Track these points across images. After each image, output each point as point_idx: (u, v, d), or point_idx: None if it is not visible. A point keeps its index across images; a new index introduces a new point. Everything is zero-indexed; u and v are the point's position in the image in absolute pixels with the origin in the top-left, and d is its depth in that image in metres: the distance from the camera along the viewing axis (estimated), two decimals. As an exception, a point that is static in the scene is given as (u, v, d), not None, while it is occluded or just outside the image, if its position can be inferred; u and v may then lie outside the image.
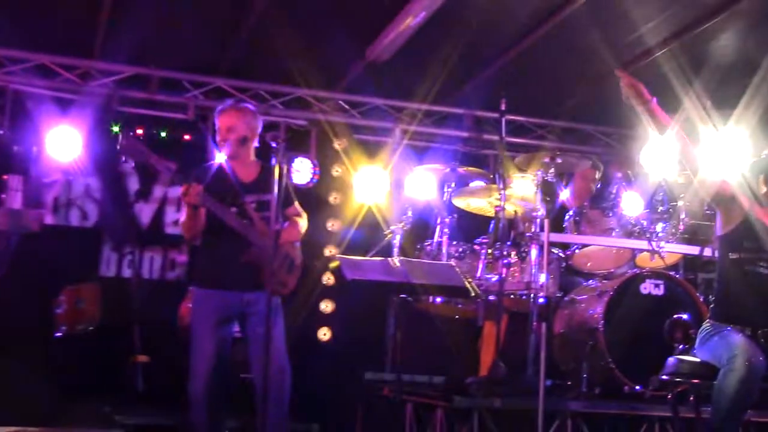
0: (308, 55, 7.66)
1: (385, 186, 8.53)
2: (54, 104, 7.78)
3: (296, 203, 5.65)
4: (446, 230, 6.63)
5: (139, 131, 7.98)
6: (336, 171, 8.68)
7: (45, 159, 7.63)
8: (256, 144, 5.56)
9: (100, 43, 7.66)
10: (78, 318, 7.31)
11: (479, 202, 6.86)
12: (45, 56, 7.79)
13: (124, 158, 5.14)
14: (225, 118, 5.47)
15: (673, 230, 6.48)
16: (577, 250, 6.97)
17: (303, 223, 5.65)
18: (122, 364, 7.21)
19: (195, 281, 5.49)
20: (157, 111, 8.15)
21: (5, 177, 5.36)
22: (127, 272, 8.27)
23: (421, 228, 7.32)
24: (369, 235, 8.20)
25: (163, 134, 8.08)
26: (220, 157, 5.64)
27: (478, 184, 7.08)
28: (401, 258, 5.38)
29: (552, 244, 6.30)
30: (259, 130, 5.55)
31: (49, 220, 7.84)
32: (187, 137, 8.16)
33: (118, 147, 5.13)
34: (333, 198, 8.69)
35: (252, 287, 5.20)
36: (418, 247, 6.90)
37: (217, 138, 5.50)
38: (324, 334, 8.48)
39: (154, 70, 8.02)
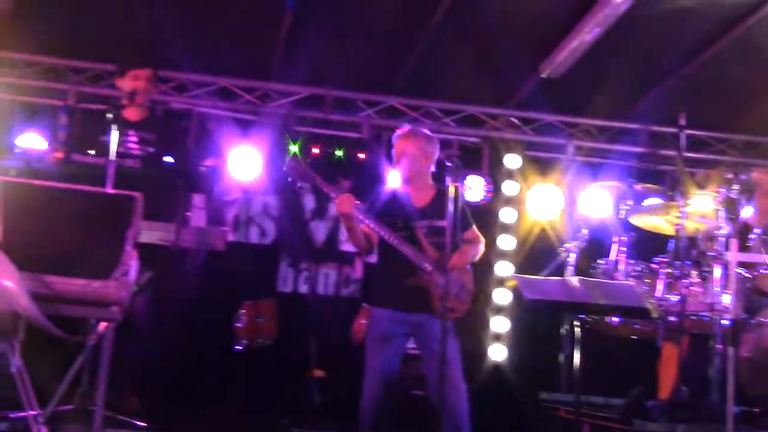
0: (481, 72, 7.69)
1: (559, 203, 8.42)
2: (235, 125, 8.12)
3: (474, 227, 5.65)
4: (623, 248, 6.45)
5: (315, 150, 8.19)
6: (509, 188, 8.61)
7: (226, 178, 7.96)
8: (432, 169, 5.60)
9: (277, 66, 7.94)
10: (257, 332, 7.53)
11: (656, 220, 6.65)
12: (226, 79, 8.16)
13: (291, 180, 5.30)
14: (400, 142, 5.55)
15: None
16: (762, 271, 6.64)
17: (480, 247, 5.64)
18: (299, 378, 7.37)
19: (370, 299, 5.59)
20: (333, 130, 8.37)
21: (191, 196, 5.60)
22: (303, 288, 8.49)
23: (595, 246, 7.15)
24: (542, 253, 8.09)
25: (339, 153, 8.24)
26: (396, 181, 5.74)
27: (654, 201, 6.89)
28: (579, 277, 5.28)
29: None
30: (436, 155, 5.59)
31: (229, 237, 8.14)
32: (361, 156, 8.28)
33: (285, 169, 5.30)
34: (506, 215, 8.61)
35: (420, 310, 5.26)
36: (593, 265, 6.73)
37: (393, 162, 5.59)
38: (498, 353, 8.40)
39: (329, 90, 8.24)
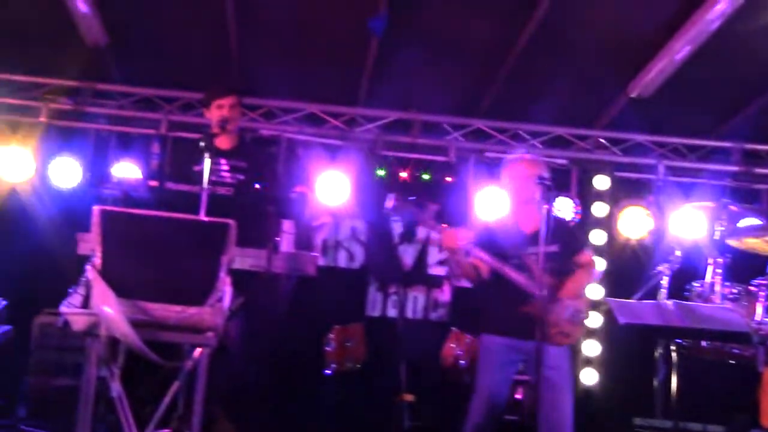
0: (569, 93, 7.62)
1: (650, 224, 8.26)
2: (323, 150, 8.20)
3: (586, 250, 5.60)
4: (719, 270, 6.29)
5: (403, 174, 8.21)
6: (598, 209, 8.48)
7: (315, 203, 8.02)
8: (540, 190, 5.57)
9: (364, 91, 8.00)
10: (346, 356, 7.54)
11: (754, 241, 6.47)
12: (314, 105, 8.27)
13: (396, 219, 5.34)
14: (511, 168, 5.57)
15: None
16: None
17: (594, 270, 5.58)
18: (389, 402, 7.35)
19: (482, 326, 5.55)
20: (420, 154, 8.38)
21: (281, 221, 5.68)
22: (392, 312, 8.48)
23: (689, 268, 6.99)
24: (633, 276, 7.94)
25: (426, 177, 8.25)
26: (504, 206, 5.74)
27: (751, 221, 6.71)
28: (675, 301, 5.18)
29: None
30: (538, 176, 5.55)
31: (318, 261, 8.19)
32: (448, 179, 8.27)
33: (389, 208, 5.34)
34: (595, 237, 8.47)
35: (535, 337, 5.20)
36: (688, 288, 6.59)
37: (503, 187, 5.63)
38: (589, 377, 8.26)
39: (416, 114, 8.26)
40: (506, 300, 5.30)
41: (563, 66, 7.31)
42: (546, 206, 5.20)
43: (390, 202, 5.32)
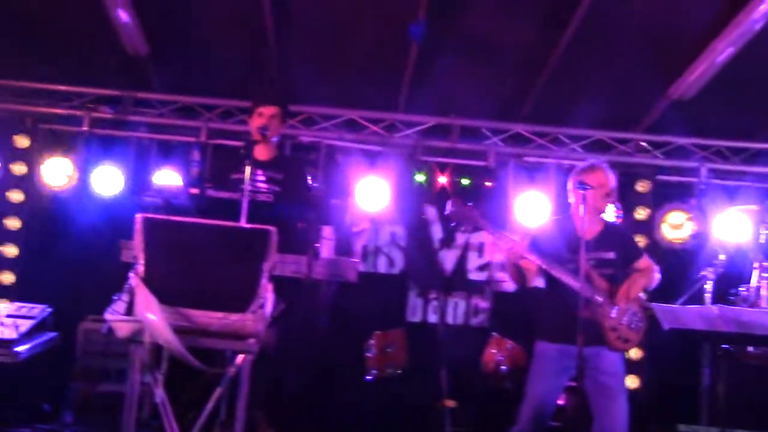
0: (609, 96, 7.57)
1: (692, 228, 8.16)
2: (362, 156, 8.20)
3: (645, 256, 5.57)
4: (765, 275, 6.22)
5: (442, 179, 8.20)
6: (639, 213, 8.39)
7: (354, 209, 8.04)
8: (609, 203, 5.56)
9: (404, 97, 8.00)
10: (387, 362, 7.53)
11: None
12: (353, 111, 8.28)
13: (454, 224, 5.34)
14: (579, 176, 5.52)
15: None
16: None
17: (654, 275, 5.56)
18: (430, 408, 7.33)
19: (538, 333, 5.53)
20: (459, 159, 8.36)
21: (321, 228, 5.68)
22: (432, 318, 8.46)
23: (733, 272, 6.92)
24: (676, 280, 7.86)
25: (465, 182, 8.22)
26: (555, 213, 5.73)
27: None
28: (721, 305, 5.12)
29: None
30: (614, 190, 5.55)
31: (359, 267, 8.19)
32: (488, 184, 8.24)
33: (447, 214, 5.35)
34: (637, 241, 8.35)
35: (591, 342, 5.17)
36: (733, 293, 6.52)
37: (571, 196, 5.60)
38: (631, 381, 8.16)
39: (455, 119, 8.24)
40: (564, 305, 5.28)
41: (604, 69, 7.27)
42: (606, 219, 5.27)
43: (449, 208, 5.32)
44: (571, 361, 5.25)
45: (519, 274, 5.38)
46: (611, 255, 5.38)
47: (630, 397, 7.94)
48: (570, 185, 5.57)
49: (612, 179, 5.48)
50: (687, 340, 5.82)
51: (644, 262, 5.51)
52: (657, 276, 5.53)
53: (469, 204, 5.39)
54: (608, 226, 5.53)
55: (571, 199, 5.56)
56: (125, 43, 7.28)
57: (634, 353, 8.15)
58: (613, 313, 5.23)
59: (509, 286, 8.10)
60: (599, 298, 5.21)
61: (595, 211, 5.46)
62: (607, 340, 5.23)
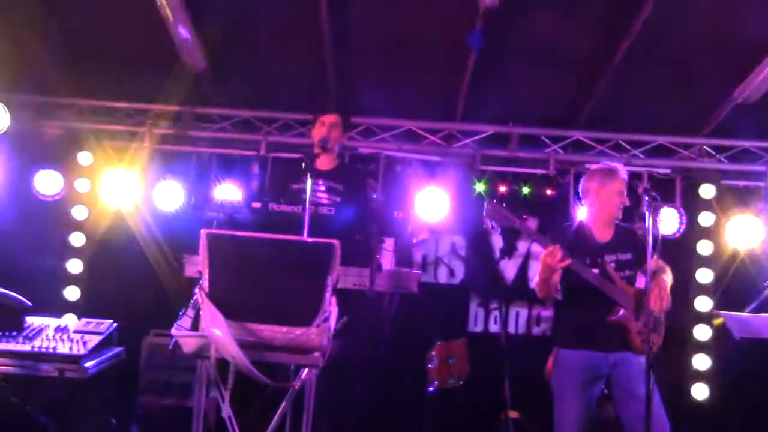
0: (671, 100, 7.46)
1: (760, 234, 7.99)
2: (421, 167, 8.19)
3: (655, 256, 5.48)
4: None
5: (502, 189, 8.15)
6: (704, 219, 8.24)
7: (414, 220, 8.02)
8: (624, 205, 5.51)
9: (462, 107, 7.97)
10: (448, 373, 7.50)
11: None
12: (411, 122, 8.27)
13: (489, 224, 5.30)
14: (591, 179, 5.53)
15: None
16: None
17: (670, 274, 5.46)
18: (493, 419, 7.28)
19: (560, 341, 5.47)
20: (519, 168, 8.30)
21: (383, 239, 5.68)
22: (494, 328, 8.43)
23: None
24: (743, 287, 7.71)
25: (525, 190, 8.16)
26: (581, 215, 5.68)
27: None
28: (793, 314, 5.02)
29: None
30: (625, 191, 5.50)
31: (420, 278, 8.17)
32: (549, 192, 8.17)
33: (484, 214, 5.31)
34: (703, 248, 8.23)
35: (619, 347, 5.13)
36: (804, 298, 6.38)
37: (583, 197, 5.58)
38: (699, 392, 8.02)
39: (514, 128, 8.18)
40: (589, 311, 5.25)
41: (665, 72, 7.18)
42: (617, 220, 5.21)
43: (487, 209, 5.28)
44: (602, 369, 5.21)
45: (549, 282, 5.29)
46: (629, 256, 5.35)
47: (698, 407, 7.94)
48: (586, 188, 5.55)
49: (624, 181, 5.47)
50: (758, 349, 5.65)
51: (657, 261, 5.40)
52: (668, 278, 5.44)
53: (503, 202, 5.37)
54: (619, 227, 5.49)
55: (584, 203, 5.55)
56: (185, 60, 7.35)
57: (702, 362, 8.02)
58: (639, 317, 5.12)
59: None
60: (625, 301, 5.14)
61: (610, 213, 5.43)
62: (633, 345, 5.16)
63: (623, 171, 5.55)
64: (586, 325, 5.27)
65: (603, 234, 5.45)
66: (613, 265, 5.31)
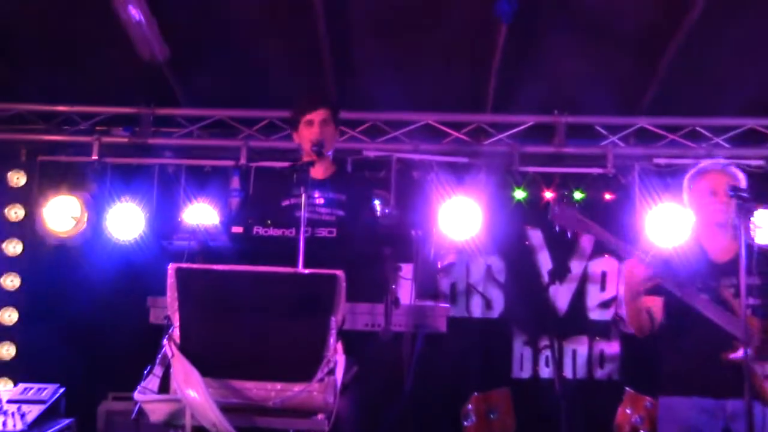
0: (760, 75, 7.45)
1: None
2: (445, 171, 8.20)
3: None
4: None
5: (548, 195, 8.14)
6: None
7: (438, 238, 8.00)
8: None
9: (492, 93, 7.96)
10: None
11: None
12: (429, 115, 8.33)
13: (558, 229, 5.28)
14: (698, 181, 5.50)
15: None
16: None
17: None
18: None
19: (659, 385, 5.45)
20: (568, 167, 8.31)
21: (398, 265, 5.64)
22: (545, 371, 8.42)
23: None
24: None
25: (578, 195, 8.13)
26: (686, 230, 5.72)
27: None
28: None
29: None
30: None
31: (448, 312, 8.15)
32: (607, 196, 8.15)
33: (550, 216, 5.29)
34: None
35: (739, 394, 5.05)
36: None
37: (689, 206, 5.57)
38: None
39: (560, 117, 8.17)
40: (698, 346, 5.20)
41: (751, 41, 7.16)
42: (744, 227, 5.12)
43: (553, 210, 5.27)
44: (716, 420, 5.15)
45: (640, 313, 5.27)
46: (756, 281, 5.21)
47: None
48: (686, 195, 5.55)
49: (735, 180, 5.42)
50: None
51: None
52: None
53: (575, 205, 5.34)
54: (752, 245, 5.38)
55: (693, 213, 5.53)
56: (141, 49, 7.35)
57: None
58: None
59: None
60: (747, 335, 5.08)
61: (710, 220, 5.42)
62: (759, 393, 5.06)
63: (719, 164, 5.55)
64: (696, 365, 5.22)
65: (721, 251, 5.40)
66: (732, 290, 5.21)
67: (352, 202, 5.89)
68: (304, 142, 5.88)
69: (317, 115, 5.88)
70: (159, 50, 7.44)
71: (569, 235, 5.33)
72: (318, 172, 5.88)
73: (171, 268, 4.35)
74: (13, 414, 6.08)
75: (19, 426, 5.96)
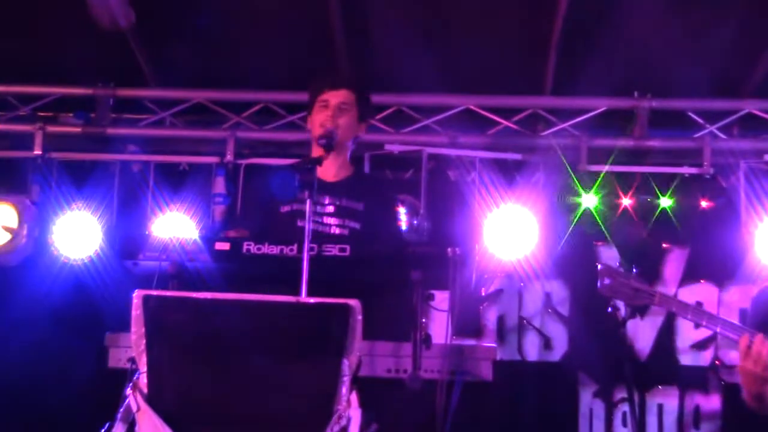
0: None
1: None
2: (491, 171, 8.17)
3: None
4: None
5: (626, 201, 8.11)
6: None
7: (482, 258, 7.99)
8: None
9: (551, 72, 8.00)
10: None
11: None
12: (470, 98, 8.39)
13: (610, 309, 5.31)
14: None
15: None
16: None
17: None
18: None
19: None
20: (652, 166, 8.32)
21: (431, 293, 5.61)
22: (622, 431, 8.39)
23: None
24: None
25: (665, 202, 8.11)
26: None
27: None
28: None
29: None
30: None
31: (495, 354, 8.17)
32: (704, 203, 8.14)
33: (599, 288, 5.38)
34: None
35: None
36: None
37: None
38: None
39: (642, 100, 8.17)
40: None
41: None
42: None
43: (601, 280, 5.27)
44: None
45: (762, 397, 5.22)
46: None
47: None
48: None
49: None
50: None
51: None
52: None
53: (635, 271, 5.33)
54: None
55: None
56: (96, 11, 7.38)
57: None
58: None
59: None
60: None
61: None
62: None
63: None
64: None
65: None
66: None
67: (370, 212, 5.90)
68: (314, 129, 5.85)
69: (335, 97, 5.85)
70: (122, 14, 7.48)
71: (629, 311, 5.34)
72: (328, 172, 5.86)
73: (137, 296, 4.37)
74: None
75: None
